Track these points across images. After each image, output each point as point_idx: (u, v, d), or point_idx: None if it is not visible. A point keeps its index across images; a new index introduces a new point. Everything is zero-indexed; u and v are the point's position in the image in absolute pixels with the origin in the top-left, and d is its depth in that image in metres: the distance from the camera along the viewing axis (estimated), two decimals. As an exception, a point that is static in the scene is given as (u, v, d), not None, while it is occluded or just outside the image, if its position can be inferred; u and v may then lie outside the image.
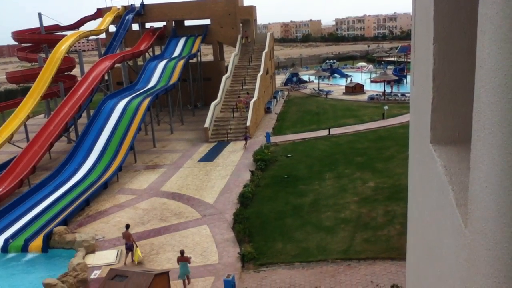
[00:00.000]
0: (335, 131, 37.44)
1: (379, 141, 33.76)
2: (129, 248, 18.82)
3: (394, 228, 19.77)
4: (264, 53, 48.07)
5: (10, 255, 20.43)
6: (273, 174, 28.06)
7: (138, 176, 29.61)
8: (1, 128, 32.80)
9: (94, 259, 19.23)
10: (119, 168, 29.03)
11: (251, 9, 52.83)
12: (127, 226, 19.55)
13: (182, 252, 17.07)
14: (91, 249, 19.88)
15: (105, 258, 19.25)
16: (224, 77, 44.17)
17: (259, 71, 45.08)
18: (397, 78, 60.51)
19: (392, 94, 52.78)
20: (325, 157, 30.74)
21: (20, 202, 24.63)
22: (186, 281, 16.70)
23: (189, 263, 16.77)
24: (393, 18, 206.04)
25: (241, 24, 52.12)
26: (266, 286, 16.46)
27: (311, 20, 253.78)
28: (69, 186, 26.67)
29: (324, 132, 37.13)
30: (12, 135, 32.35)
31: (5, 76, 47.35)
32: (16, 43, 49.23)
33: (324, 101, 52.63)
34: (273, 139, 35.81)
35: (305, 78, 71.62)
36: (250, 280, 16.98)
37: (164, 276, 15.97)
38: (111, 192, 26.78)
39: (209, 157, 32.80)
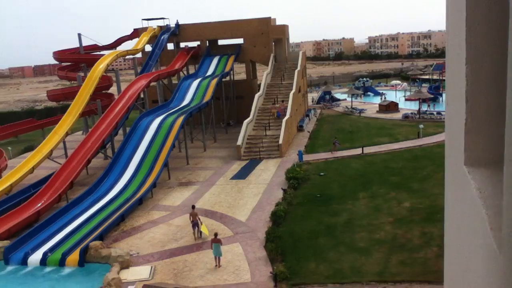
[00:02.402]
0: (368, 149, 36.98)
1: (415, 161, 33.10)
2: (196, 225, 22.10)
3: (431, 250, 19.22)
4: (296, 71, 48.25)
5: (48, 268, 20.96)
6: (305, 192, 27.88)
7: (172, 192, 30.00)
8: (41, 145, 34.02)
9: (128, 275, 19.48)
10: (154, 185, 29.52)
11: (284, 28, 53.30)
12: (193, 207, 23.20)
13: (216, 234, 19.89)
14: (125, 265, 20.17)
15: (139, 274, 19.49)
16: (256, 95, 44.53)
17: (291, 89, 45.23)
18: (432, 96, 59.43)
19: (428, 112, 51.83)
20: (359, 176, 30.34)
21: (58, 217, 25.34)
22: (218, 260, 19.40)
23: (221, 244, 19.43)
24: (427, 35, 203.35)
25: (273, 43, 52.60)
26: (298, 307, 16.24)
27: (343, 38, 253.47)
28: (105, 202, 27.28)
29: (358, 151, 36.72)
30: (51, 151, 33.49)
31: (46, 94, 49.21)
32: (56, 62, 51.22)
33: (357, 119, 52.17)
34: (306, 158, 35.67)
35: (338, 96, 71.27)
36: (281, 299, 16.80)
37: (195, 293, 16.03)
38: (146, 208, 27.21)
39: (242, 174, 32.93)
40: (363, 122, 50.26)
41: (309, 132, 46.20)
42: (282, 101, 44.01)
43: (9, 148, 45.50)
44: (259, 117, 42.94)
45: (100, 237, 22.64)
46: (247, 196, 28.15)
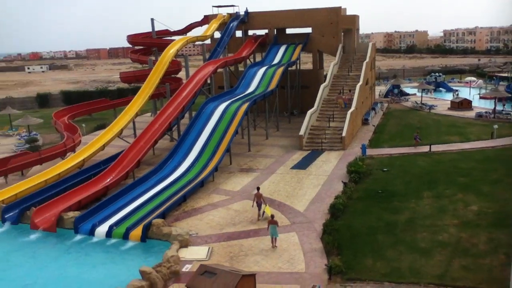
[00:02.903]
0: (437, 148, 35.50)
1: (486, 162, 31.35)
2: (260, 206, 23.44)
3: (498, 257, 18.22)
4: (364, 63, 47.06)
5: (113, 241, 22.10)
6: (366, 187, 27.29)
7: (232, 178, 30.47)
8: (112, 124, 35.76)
9: (186, 253, 20.10)
10: (215, 169, 30.12)
11: (354, 18, 52.01)
12: (258, 188, 24.38)
13: (272, 216, 20.87)
14: (184, 244, 20.82)
15: (196, 254, 20.05)
16: (322, 86, 43.95)
17: (358, 81, 44.21)
18: (510, 95, 55.85)
19: (504, 112, 48.81)
20: (424, 175, 29.22)
21: (124, 193, 26.57)
22: (274, 240, 20.39)
23: (277, 226, 20.32)
24: (509, 31, 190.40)
25: (342, 33, 51.53)
26: (352, 302, 16.02)
27: (417, 30, 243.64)
28: (168, 182, 28.23)
29: (425, 148, 35.34)
30: (121, 130, 35.12)
31: (118, 76, 51.40)
32: (130, 45, 53.22)
33: (426, 116, 50.15)
34: (369, 152, 34.86)
35: (407, 90, 68.75)
36: (336, 293, 16.64)
37: (251, 278, 16.23)
38: (207, 191, 27.86)
39: (302, 165, 32.79)
40: (433, 118, 48.22)
41: (374, 126, 45.03)
42: (349, 90, 43.18)
43: (83, 125, 48.19)
44: (323, 108, 42.41)
45: (163, 216, 23.49)
46: (307, 187, 28.00)
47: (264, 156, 35.39)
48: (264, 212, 23.43)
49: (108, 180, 28.69)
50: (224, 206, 25.56)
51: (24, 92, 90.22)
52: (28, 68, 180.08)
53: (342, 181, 27.95)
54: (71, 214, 23.96)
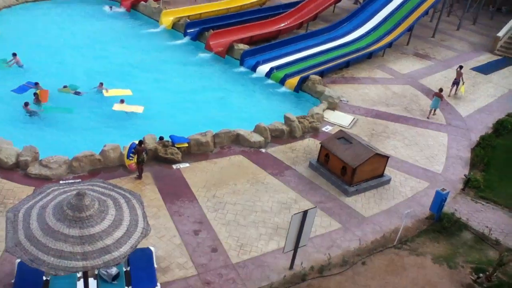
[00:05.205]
0: None
1: None
2: (456, 84, 24.18)
3: None
4: None
5: (269, 82, 23.43)
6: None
7: (403, 59, 28.71)
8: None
9: (331, 116, 20.55)
10: (389, 45, 28.50)
11: None
12: (461, 67, 24.48)
13: (440, 89, 21.78)
14: (332, 106, 21.18)
15: (340, 119, 20.38)
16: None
17: None
18: None
19: None
20: None
21: (293, 42, 27.07)
22: (432, 111, 21.77)
23: (442, 100, 21.55)
24: None
25: None
26: (475, 219, 15.34)
27: None
28: (338, 43, 27.77)
29: None
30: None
31: None
32: None
33: None
34: None
35: None
36: (463, 205, 15.98)
37: (383, 159, 16.24)
38: (372, 64, 26.94)
39: (485, 69, 29.22)
40: None
41: None
42: None
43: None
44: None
45: (321, 74, 23.72)
46: (479, 93, 25.35)
47: (447, 48, 32.15)
48: (456, 90, 24.43)
49: (283, 25, 29.24)
50: (384, 84, 24.72)
51: None
52: None
53: (523, 100, 24.67)
54: (241, 46, 25.48)
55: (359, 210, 15.12)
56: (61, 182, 13.42)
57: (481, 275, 12.85)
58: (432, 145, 19.49)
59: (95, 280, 10.85)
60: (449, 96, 24.04)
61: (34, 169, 14.60)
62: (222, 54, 25.24)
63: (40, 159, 15.02)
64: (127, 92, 19.97)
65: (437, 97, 21.51)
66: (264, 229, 13.72)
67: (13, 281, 10.56)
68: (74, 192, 9.12)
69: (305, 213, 11.53)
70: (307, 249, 12.87)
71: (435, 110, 21.86)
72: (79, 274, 10.71)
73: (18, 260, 10.57)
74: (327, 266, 12.65)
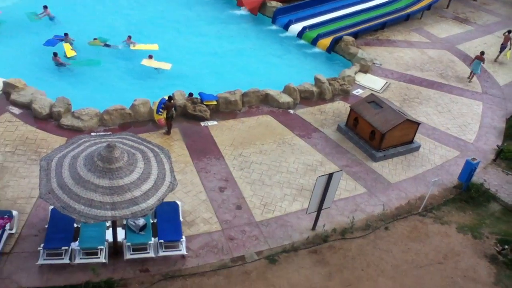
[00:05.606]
0: None
1: None
2: (503, 48, 23.40)
3: None
4: None
5: (301, 41, 22.96)
6: None
7: (442, 23, 27.54)
8: None
9: (363, 79, 20.13)
10: (428, 7, 27.33)
11: None
12: (510, 31, 23.36)
13: (482, 52, 21.10)
14: (365, 69, 20.69)
15: (372, 83, 19.95)
16: None
17: None
18: None
19: None
20: None
21: (327, 1, 26.13)
22: (472, 75, 21.22)
23: (483, 63, 20.83)
24: None
25: None
26: (505, 191, 15.04)
27: None
28: (374, 4, 26.75)
29: None
30: None
31: None
32: None
33: None
34: None
35: None
36: (493, 175, 15.66)
37: (414, 125, 15.92)
38: (409, 27, 25.97)
39: (529, 36, 27.81)
40: None
41: None
42: None
43: None
44: None
45: (355, 35, 23.04)
46: (521, 62, 24.30)
47: (490, 12, 30.60)
48: (500, 55, 23.63)
49: (318, -18, 28.28)
50: (420, 48, 23.89)
51: None
52: None
53: None
54: (274, 3, 24.87)
55: (385, 175, 15.01)
56: (92, 134, 13.75)
57: (506, 246, 12.73)
58: (466, 113, 18.96)
59: (123, 230, 11.24)
60: (495, 61, 23.48)
61: (66, 120, 14.96)
62: (254, 11, 24.76)
63: (72, 110, 15.35)
64: (154, 46, 19.94)
65: (478, 60, 20.75)
66: (289, 189, 13.83)
67: (46, 226, 11.05)
68: (105, 144, 9.33)
69: (330, 175, 11.53)
70: (330, 211, 12.97)
71: (474, 75, 21.17)
72: (108, 223, 11.11)
73: (51, 207, 11.01)
74: (350, 229, 12.74)
